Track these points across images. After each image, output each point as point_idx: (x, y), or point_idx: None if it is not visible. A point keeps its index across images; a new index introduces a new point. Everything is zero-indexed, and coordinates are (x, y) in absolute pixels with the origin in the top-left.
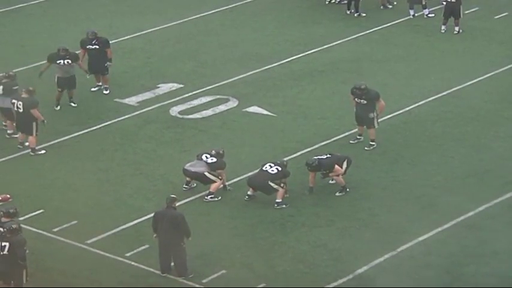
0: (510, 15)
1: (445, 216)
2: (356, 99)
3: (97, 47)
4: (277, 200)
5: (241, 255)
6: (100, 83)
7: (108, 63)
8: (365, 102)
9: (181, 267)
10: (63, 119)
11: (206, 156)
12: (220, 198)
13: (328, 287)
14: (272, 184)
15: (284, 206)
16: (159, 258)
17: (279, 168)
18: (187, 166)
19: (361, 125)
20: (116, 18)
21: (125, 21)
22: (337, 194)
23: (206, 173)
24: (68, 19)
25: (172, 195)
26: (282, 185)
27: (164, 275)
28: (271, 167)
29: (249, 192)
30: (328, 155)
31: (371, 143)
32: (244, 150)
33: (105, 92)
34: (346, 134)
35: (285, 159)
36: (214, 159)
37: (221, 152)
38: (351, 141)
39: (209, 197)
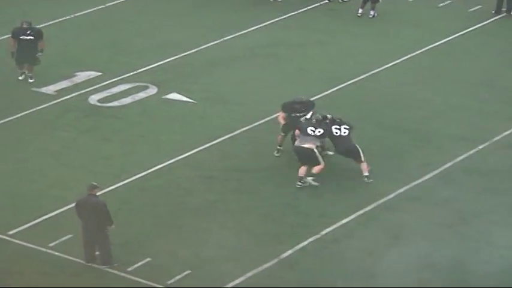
0: None
1: (366, 199)
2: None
3: (32, 37)
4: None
5: (165, 243)
6: (25, 71)
7: (39, 53)
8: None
9: (106, 256)
10: None
11: (312, 130)
12: (318, 184)
13: (253, 272)
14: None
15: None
16: (83, 247)
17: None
18: (297, 143)
19: None
20: (30, 6)
21: (39, 9)
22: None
23: (314, 149)
24: None
25: (93, 183)
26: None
27: (89, 264)
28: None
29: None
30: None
31: None
32: (165, 137)
33: (30, 80)
34: (266, 119)
35: (206, 145)
36: (322, 130)
37: (320, 117)
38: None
39: (311, 178)
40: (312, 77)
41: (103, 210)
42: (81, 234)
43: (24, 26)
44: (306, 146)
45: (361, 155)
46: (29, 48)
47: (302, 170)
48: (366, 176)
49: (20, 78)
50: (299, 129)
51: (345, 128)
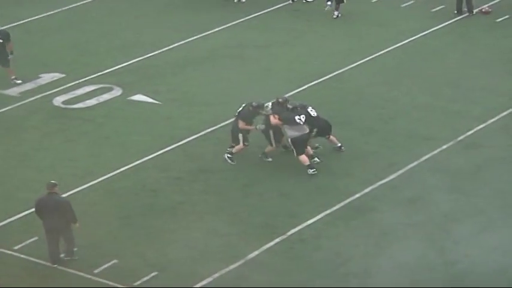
0: None
1: (333, 199)
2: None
3: (1, 40)
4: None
5: (132, 244)
6: None
7: (10, 55)
8: None
9: (72, 252)
10: None
11: (299, 118)
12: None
13: (221, 273)
14: None
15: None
16: (47, 247)
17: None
18: (295, 133)
19: None
20: None
21: (2, 11)
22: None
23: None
24: None
25: (52, 181)
26: None
27: (55, 265)
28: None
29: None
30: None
31: None
32: (131, 138)
33: (18, 81)
34: (232, 119)
35: (173, 146)
36: (304, 116)
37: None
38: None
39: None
40: (278, 77)
41: (67, 208)
42: (44, 235)
43: None
44: (307, 131)
45: None
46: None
47: (306, 158)
48: (340, 146)
49: None
50: (285, 122)
51: (312, 109)
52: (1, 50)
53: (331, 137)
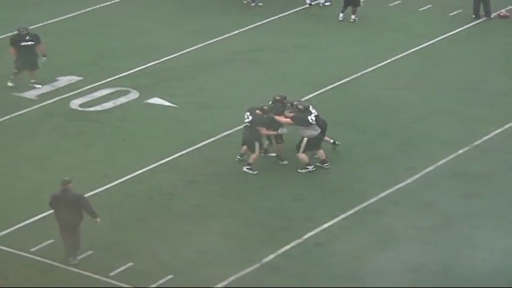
0: (404, 3)
1: (349, 203)
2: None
3: (32, 42)
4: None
5: (148, 247)
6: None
7: (43, 58)
8: None
9: (77, 247)
10: None
11: (311, 118)
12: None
13: (236, 276)
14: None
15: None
16: (63, 242)
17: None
18: (313, 133)
19: None
20: (12, 11)
21: (20, 14)
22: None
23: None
24: None
25: (66, 178)
26: None
27: (71, 259)
28: None
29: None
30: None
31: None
32: (147, 141)
33: (37, 86)
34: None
35: (189, 149)
36: (315, 112)
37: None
38: None
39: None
40: (294, 81)
41: (83, 203)
42: (59, 231)
43: (23, 32)
44: (319, 130)
45: None
46: (30, 53)
47: (306, 156)
48: (334, 142)
49: (10, 84)
50: (298, 123)
51: (312, 108)
52: (31, 52)
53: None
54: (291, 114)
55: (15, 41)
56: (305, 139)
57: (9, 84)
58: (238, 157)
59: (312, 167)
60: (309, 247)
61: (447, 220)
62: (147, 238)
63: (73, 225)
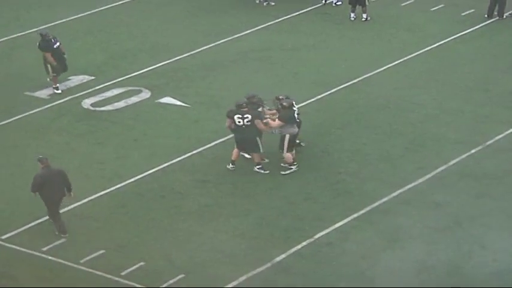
0: (415, 3)
1: (360, 203)
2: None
3: (59, 44)
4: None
5: (159, 247)
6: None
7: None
8: None
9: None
10: None
11: (296, 115)
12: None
13: (247, 276)
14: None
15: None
16: (53, 220)
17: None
18: (294, 130)
19: None
20: (23, 11)
21: (32, 14)
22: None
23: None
24: None
25: (39, 155)
26: None
27: (65, 235)
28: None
29: None
30: None
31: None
32: (159, 141)
33: (58, 92)
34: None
35: (201, 149)
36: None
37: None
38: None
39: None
40: (305, 81)
41: (66, 176)
42: (48, 209)
43: (48, 36)
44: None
45: None
46: (62, 55)
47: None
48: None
49: (58, 91)
50: (287, 121)
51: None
52: (62, 53)
53: None
54: (272, 111)
55: (48, 47)
56: (287, 136)
57: (58, 92)
58: (231, 165)
59: (296, 166)
60: (320, 247)
61: (458, 220)
62: (158, 238)
63: (61, 199)
